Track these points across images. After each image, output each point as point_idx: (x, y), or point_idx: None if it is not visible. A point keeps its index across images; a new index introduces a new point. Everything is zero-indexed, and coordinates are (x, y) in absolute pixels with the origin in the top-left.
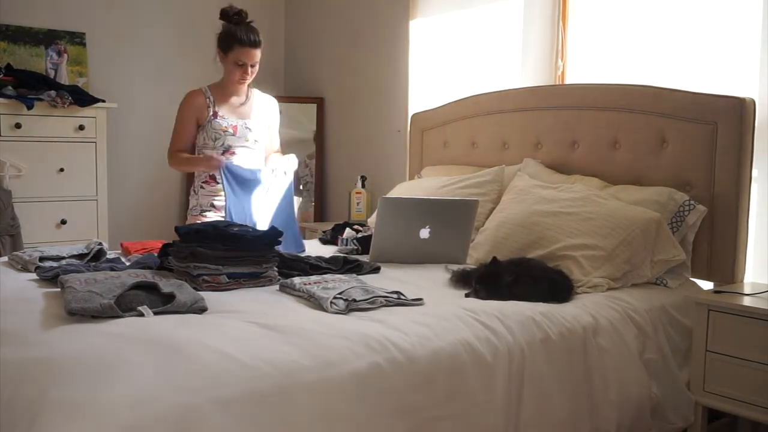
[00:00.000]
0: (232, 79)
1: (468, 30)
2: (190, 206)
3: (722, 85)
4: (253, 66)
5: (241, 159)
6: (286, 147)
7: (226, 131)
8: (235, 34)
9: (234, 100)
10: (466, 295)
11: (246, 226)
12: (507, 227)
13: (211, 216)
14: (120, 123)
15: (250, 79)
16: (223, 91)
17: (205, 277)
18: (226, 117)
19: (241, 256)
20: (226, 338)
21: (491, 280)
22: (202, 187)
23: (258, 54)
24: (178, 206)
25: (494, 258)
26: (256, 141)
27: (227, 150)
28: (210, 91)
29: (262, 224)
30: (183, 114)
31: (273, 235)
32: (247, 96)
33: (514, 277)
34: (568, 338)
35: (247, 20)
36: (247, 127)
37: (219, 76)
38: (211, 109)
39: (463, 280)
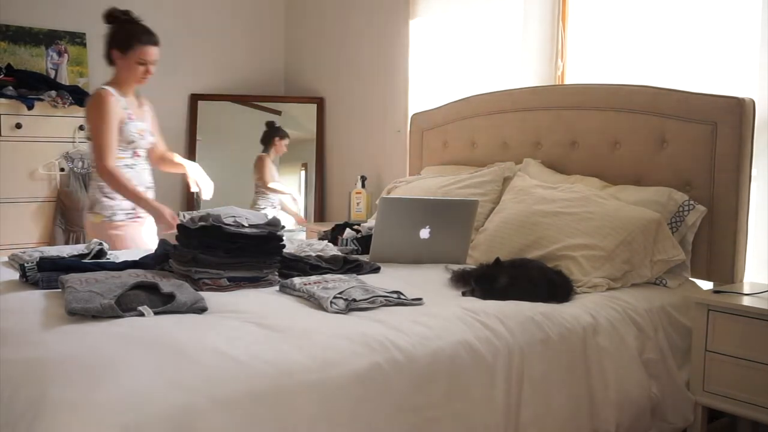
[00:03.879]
0: (133, 77)
1: (468, 30)
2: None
3: (722, 85)
4: (152, 64)
5: (141, 165)
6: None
7: (141, 134)
8: (136, 33)
9: (132, 101)
10: (463, 294)
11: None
12: (507, 227)
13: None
14: None
15: (150, 77)
16: (125, 91)
17: (206, 280)
18: (135, 120)
19: (243, 262)
20: (226, 338)
21: (487, 282)
22: (104, 195)
23: (158, 51)
24: (178, 205)
25: (497, 259)
26: (150, 144)
27: (134, 154)
28: (118, 93)
29: None
30: (107, 119)
31: (275, 240)
32: (137, 96)
33: (510, 281)
34: (567, 338)
35: (137, 18)
36: (148, 130)
37: (218, 77)
38: (127, 111)
39: (462, 280)
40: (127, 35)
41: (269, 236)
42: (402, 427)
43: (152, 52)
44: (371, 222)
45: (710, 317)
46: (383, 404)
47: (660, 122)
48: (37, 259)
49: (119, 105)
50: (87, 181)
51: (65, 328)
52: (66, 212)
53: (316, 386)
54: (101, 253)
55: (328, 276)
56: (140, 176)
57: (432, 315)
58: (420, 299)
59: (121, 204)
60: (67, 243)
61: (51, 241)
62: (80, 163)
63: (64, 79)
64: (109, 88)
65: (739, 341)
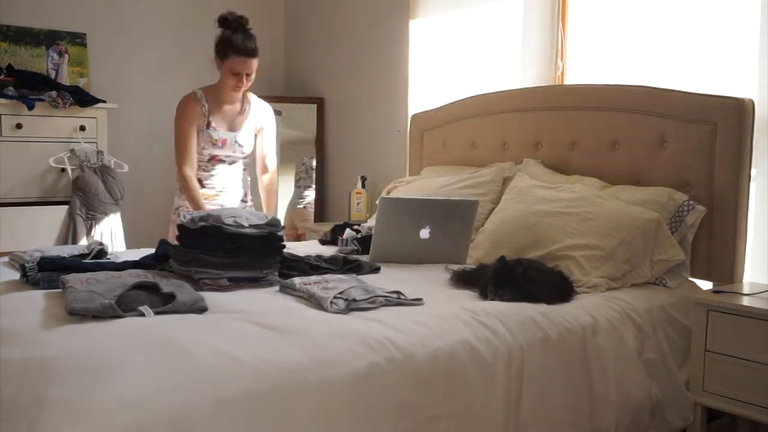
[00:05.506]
0: (226, 86)
1: (468, 30)
2: (175, 206)
3: (721, 86)
4: (248, 75)
5: (224, 171)
6: (285, 148)
7: (215, 144)
8: (231, 42)
9: (227, 108)
10: (490, 297)
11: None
12: (507, 227)
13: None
14: (121, 123)
15: (245, 88)
16: (217, 96)
17: (206, 280)
18: (217, 128)
19: (243, 262)
20: (226, 338)
21: (507, 279)
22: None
23: (254, 63)
24: None
25: (502, 257)
26: (243, 154)
27: (212, 158)
28: (204, 97)
29: None
30: (183, 127)
31: (275, 240)
32: (242, 104)
33: (525, 271)
34: (567, 338)
35: (247, 27)
36: (236, 141)
37: (218, 77)
38: (206, 118)
39: (463, 280)
40: (224, 43)
41: (269, 236)
42: (402, 426)
43: (245, 64)
44: (371, 222)
45: (710, 317)
46: (383, 404)
47: (660, 122)
48: (38, 259)
49: (199, 110)
50: (99, 173)
51: (65, 328)
52: (85, 200)
53: (316, 386)
54: (101, 253)
55: (328, 276)
56: (217, 180)
57: (432, 315)
58: (420, 299)
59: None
60: (88, 233)
61: (70, 235)
62: (87, 161)
63: (65, 79)
64: (198, 92)
65: (739, 341)
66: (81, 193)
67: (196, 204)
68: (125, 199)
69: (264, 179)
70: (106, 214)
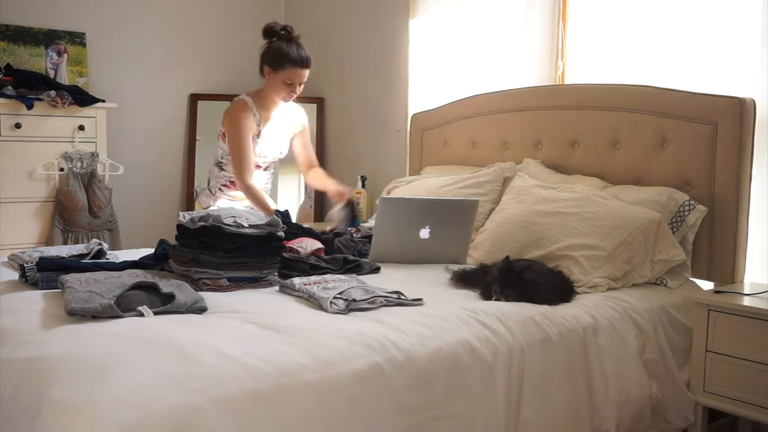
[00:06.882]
0: (277, 96)
1: (468, 29)
2: (204, 206)
3: (722, 85)
4: (301, 85)
5: (258, 176)
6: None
7: (261, 156)
8: (288, 53)
9: (272, 115)
10: (494, 298)
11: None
12: (507, 227)
13: None
14: (120, 123)
15: (294, 97)
16: (264, 105)
17: (206, 281)
18: (266, 141)
19: (243, 262)
20: (226, 338)
21: (513, 279)
22: (220, 190)
23: (308, 72)
24: (179, 206)
25: (506, 257)
26: (280, 159)
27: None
28: (255, 106)
29: None
30: (242, 135)
31: (275, 240)
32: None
33: (534, 276)
34: (568, 338)
35: (294, 36)
36: (279, 151)
37: (218, 77)
38: (257, 128)
39: (463, 280)
40: (279, 54)
41: (269, 236)
42: (402, 427)
43: (301, 74)
44: (371, 222)
45: (710, 317)
46: (383, 404)
47: (660, 122)
48: (37, 260)
49: (252, 119)
50: (86, 181)
51: (65, 328)
52: (65, 212)
53: (315, 386)
54: (101, 253)
55: (327, 276)
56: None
57: (432, 315)
58: (420, 299)
59: (218, 203)
60: (65, 243)
61: (49, 242)
62: (79, 164)
63: (64, 79)
64: (248, 99)
65: (739, 341)
66: (61, 205)
67: (268, 210)
68: (124, 198)
69: (317, 171)
70: (85, 229)
